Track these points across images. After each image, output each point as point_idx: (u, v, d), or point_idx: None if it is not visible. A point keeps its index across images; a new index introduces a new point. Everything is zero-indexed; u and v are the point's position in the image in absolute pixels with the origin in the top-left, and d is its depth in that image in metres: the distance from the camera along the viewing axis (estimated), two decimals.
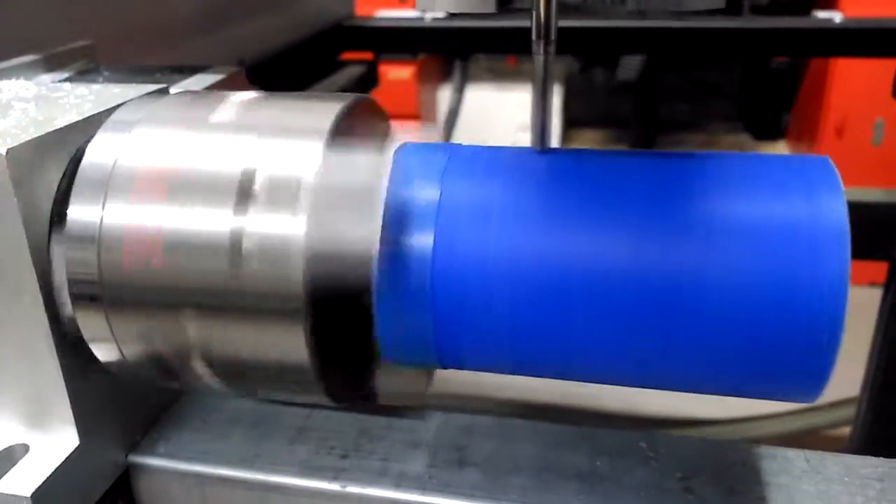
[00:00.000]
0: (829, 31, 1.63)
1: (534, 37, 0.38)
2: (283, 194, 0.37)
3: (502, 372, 0.41)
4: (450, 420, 0.51)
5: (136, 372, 0.43)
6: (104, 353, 0.43)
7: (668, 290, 0.35)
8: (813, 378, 0.36)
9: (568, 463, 0.48)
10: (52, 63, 0.63)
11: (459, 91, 2.67)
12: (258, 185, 0.38)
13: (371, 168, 0.39)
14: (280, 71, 1.39)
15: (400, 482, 0.46)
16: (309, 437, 0.50)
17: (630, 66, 2.99)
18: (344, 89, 1.66)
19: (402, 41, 1.82)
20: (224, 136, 0.40)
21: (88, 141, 0.42)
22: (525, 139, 3.07)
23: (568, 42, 1.77)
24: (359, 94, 0.43)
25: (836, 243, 0.34)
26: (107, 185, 0.40)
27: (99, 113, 0.44)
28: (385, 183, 0.39)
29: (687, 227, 0.36)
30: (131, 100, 0.45)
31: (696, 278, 0.35)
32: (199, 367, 0.41)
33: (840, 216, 0.35)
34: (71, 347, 0.43)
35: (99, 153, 0.41)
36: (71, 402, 0.44)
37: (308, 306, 0.37)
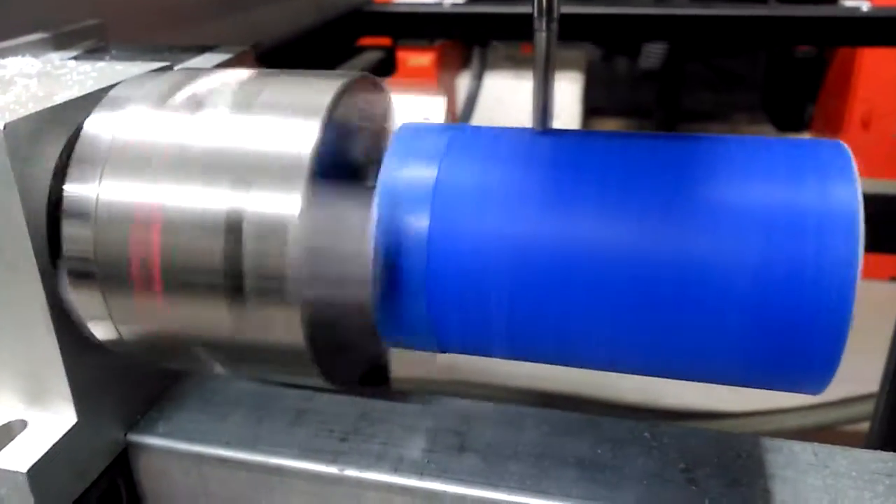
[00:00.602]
0: (856, 20, 1.60)
1: (535, 13, 0.37)
2: (280, 172, 0.37)
3: (501, 357, 0.40)
4: (451, 405, 0.51)
5: (132, 351, 0.43)
6: (101, 331, 0.42)
7: (669, 275, 0.34)
8: (819, 369, 0.35)
9: (569, 450, 0.47)
10: (61, 41, 0.63)
11: (478, 78, 2.65)
12: (254, 164, 0.37)
13: (367, 146, 0.38)
14: (296, 56, 1.38)
15: (398, 466, 0.46)
16: (309, 420, 0.50)
17: (652, 54, 2.95)
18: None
19: (421, 27, 1.80)
20: (221, 114, 0.39)
21: (87, 117, 0.42)
22: None
23: (588, 29, 1.75)
24: (357, 73, 0.42)
25: (846, 230, 0.33)
26: (104, 162, 0.39)
27: (99, 90, 0.44)
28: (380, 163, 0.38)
29: (692, 210, 0.35)
30: (132, 77, 0.45)
31: (701, 263, 0.34)
32: (196, 349, 0.41)
33: (851, 202, 0.34)
34: (69, 325, 0.43)
35: (96, 129, 0.40)
36: (69, 380, 0.44)
37: (302, 287, 0.36)
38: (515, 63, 3.12)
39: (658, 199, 0.35)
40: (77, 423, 0.45)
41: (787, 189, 0.34)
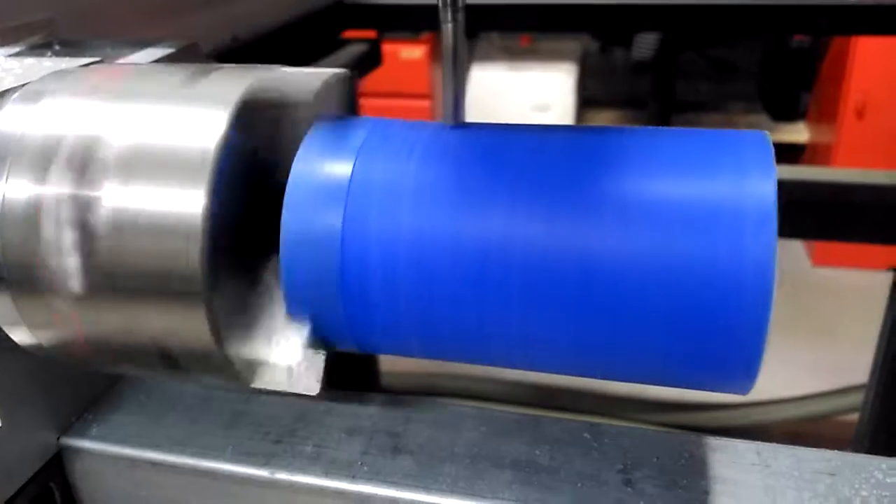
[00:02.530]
0: (850, 9, 1.58)
1: (440, 4, 0.35)
2: (185, 167, 0.35)
3: (419, 357, 0.39)
4: (391, 405, 0.50)
5: (52, 355, 0.42)
6: (18, 336, 0.41)
7: (582, 272, 0.33)
8: (741, 369, 0.34)
9: (506, 451, 0.46)
10: (6, 37, 0.62)
11: (465, 70, 2.63)
12: (160, 158, 0.36)
13: (279, 141, 0.37)
14: (278, 49, 1.37)
15: (330, 469, 0.45)
16: (245, 422, 0.49)
17: (645, 44, 2.93)
18: (345, 68, 1.63)
19: (406, 19, 1.78)
20: (131, 108, 0.38)
21: None
22: (540, 119, 3.03)
23: (580, 20, 1.73)
24: (278, 66, 0.41)
25: (761, 225, 0.32)
26: (10, 159, 0.38)
27: (17, 86, 0.43)
28: (293, 158, 0.37)
29: (605, 205, 0.33)
30: (51, 72, 0.44)
31: (614, 259, 0.33)
32: (110, 353, 0.40)
33: (767, 196, 0.32)
34: None
35: (6, 125, 0.39)
36: None
37: (207, 287, 0.35)
38: (511, 54, 3.11)
39: (570, 195, 0.34)
40: (0, 428, 0.44)
41: (703, 183, 0.33)
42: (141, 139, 0.37)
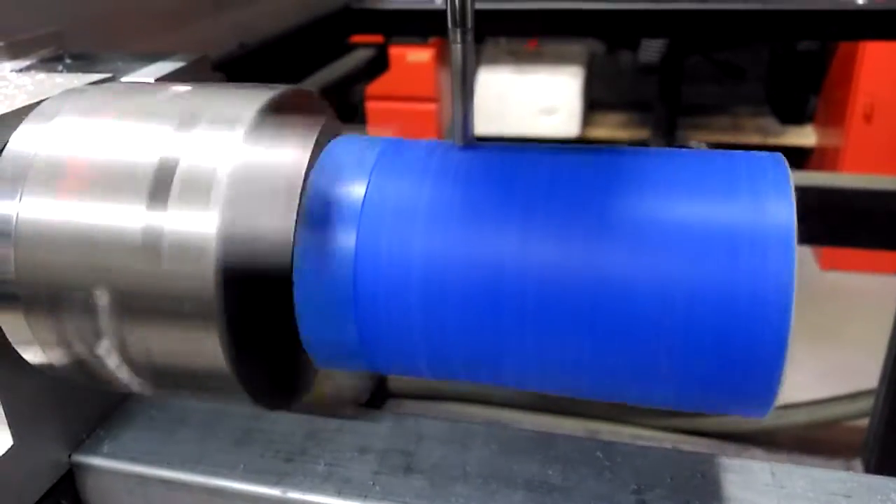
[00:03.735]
0: (855, 14, 1.58)
1: (450, 24, 0.35)
2: (198, 188, 0.35)
3: (432, 378, 0.39)
4: (403, 423, 0.50)
5: (64, 375, 0.42)
6: (31, 355, 0.41)
7: (597, 296, 0.33)
8: (759, 393, 0.34)
9: (519, 471, 0.45)
10: (15, 50, 0.62)
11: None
12: (173, 179, 0.36)
13: (293, 162, 0.37)
14: (285, 55, 1.37)
15: (342, 489, 0.45)
16: (255, 440, 0.49)
17: (652, 48, 2.92)
18: (352, 73, 1.64)
19: (413, 24, 1.78)
20: (143, 127, 0.38)
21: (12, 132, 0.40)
22: (547, 122, 3.03)
23: (587, 25, 1.73)
24: (292, 86, 0.41)
25: (781, 249, 0.32)
26: (24, 179, 0.38)
27: (30, 105, 0.43)
28: (306, 178, 0.37)
29: (620, 226, 0.33)
30: (64, 91, 0.44)
31: (629, 282, 0.33)
32: (123, 372, 0.40)
33: (786, 219, 0.32)
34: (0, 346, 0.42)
35: (20, 145, 0.39)
36: (3, 403, 0.43)
37: (221, 308, 0.35)
38: (518, 58, 3.11)
39: (584, 217, 0.33)
40: (13, 446, 0.44)
41: (722, 207, 0.33)
42: (154, 159, 0.37)
